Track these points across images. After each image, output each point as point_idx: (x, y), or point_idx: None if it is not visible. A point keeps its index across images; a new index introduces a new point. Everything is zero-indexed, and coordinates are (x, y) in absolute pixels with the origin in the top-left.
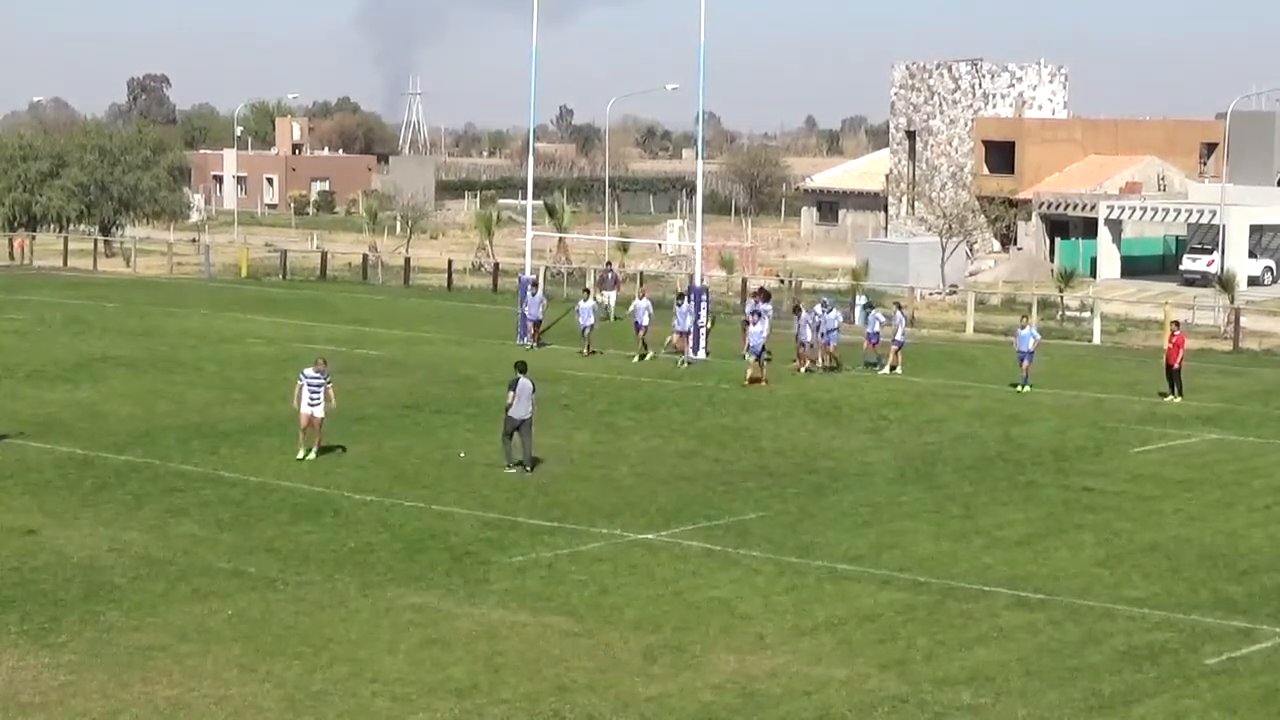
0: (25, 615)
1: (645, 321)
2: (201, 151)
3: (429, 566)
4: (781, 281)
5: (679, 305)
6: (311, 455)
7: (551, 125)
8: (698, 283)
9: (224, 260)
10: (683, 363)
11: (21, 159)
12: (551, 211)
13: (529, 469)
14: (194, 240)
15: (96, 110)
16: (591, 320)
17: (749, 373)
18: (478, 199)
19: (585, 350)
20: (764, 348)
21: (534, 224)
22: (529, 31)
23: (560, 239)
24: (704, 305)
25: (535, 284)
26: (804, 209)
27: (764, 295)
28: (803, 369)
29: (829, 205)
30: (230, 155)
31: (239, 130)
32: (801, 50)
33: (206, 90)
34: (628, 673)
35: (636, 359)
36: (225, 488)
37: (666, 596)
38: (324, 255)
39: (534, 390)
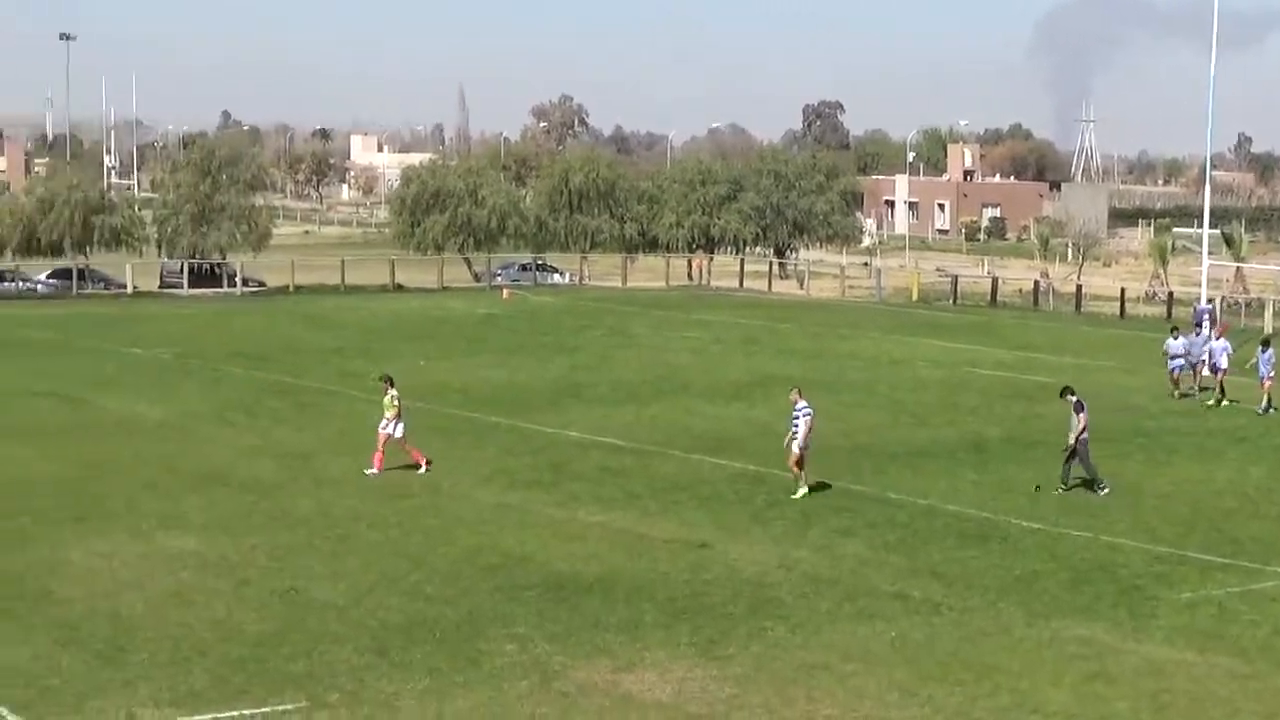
0: (696, 627)
1: (1224, 364)
2: (874, 177)
3: (1095, 598)
4: None
5: (1261, 352)
6: (798, 495)
7: (1229, 153)
8: None
9: (894, 284)
10: (1263, 410)
11: (700, 183)
12: (1229, 241)
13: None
14: (865, 264)
15: (773, 136)
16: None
17: None
18: (1151, 227)
19: (1174, 392)
20: None
21: (1210, 253)
22: (1207, 57)
23: (1238, 269)
24: None
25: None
26: None
27: None
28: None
29: None
30: (902, 181)
31: (911, 156)
32: None
33: (879, 117)
34: None
35: (1214, 403)
36: (892, 509)
37: None
38: (994, 281)
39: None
